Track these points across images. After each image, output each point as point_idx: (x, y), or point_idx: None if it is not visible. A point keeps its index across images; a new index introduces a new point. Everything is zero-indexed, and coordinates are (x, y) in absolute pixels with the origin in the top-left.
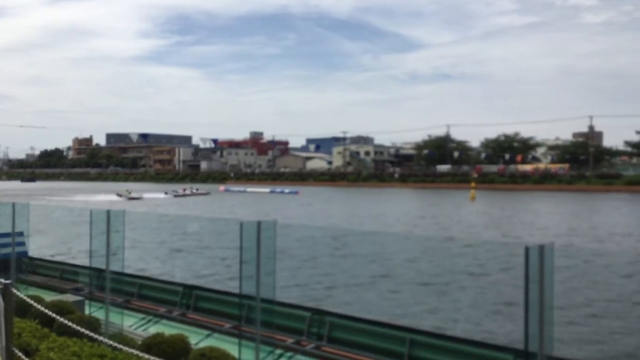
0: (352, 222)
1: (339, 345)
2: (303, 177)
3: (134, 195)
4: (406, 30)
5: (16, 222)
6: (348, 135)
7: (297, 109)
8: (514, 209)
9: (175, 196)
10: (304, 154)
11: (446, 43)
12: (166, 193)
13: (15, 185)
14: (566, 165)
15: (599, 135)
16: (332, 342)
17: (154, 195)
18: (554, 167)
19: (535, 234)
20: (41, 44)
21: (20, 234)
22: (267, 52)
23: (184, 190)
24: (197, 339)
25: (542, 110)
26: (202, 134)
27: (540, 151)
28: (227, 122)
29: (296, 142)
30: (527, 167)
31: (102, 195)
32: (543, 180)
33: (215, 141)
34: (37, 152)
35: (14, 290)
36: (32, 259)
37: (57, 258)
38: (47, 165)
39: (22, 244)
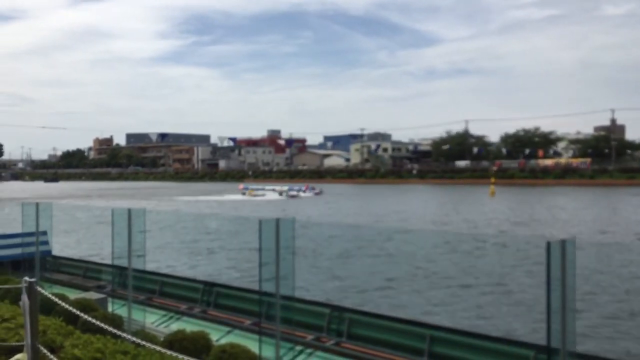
0: (375, 220)
1: (358, 342)
2: (321, 174)
3: (293, 193)
4: (423, 26)
5: (40, 222)
6: (365, 132)
7: (313, 107)
8: (537, 204)
9: (292, 196)
10: (322, 152)
11: (463, 38)
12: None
13: (39, 185)
14: (588, 160)
15: (621, 128)
16: (351, 338)
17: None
18: (576, 162)
19: (569, 231)
20: (60, 46)
21: (44, 233)
22: (283, 51)
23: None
24: (218, 336)
25: (562, 104)
26: (219, 133)
27: (561, 145)
28: (244, 121)
29: (313, 139)
30: (548, 162)
31: (232, 195)
32: (564, 175)
33: (234, 140)
34: (59, 153)
35: (39, 289)
36: (55, 257)
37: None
38: (69, 165)
39: (46, 243)
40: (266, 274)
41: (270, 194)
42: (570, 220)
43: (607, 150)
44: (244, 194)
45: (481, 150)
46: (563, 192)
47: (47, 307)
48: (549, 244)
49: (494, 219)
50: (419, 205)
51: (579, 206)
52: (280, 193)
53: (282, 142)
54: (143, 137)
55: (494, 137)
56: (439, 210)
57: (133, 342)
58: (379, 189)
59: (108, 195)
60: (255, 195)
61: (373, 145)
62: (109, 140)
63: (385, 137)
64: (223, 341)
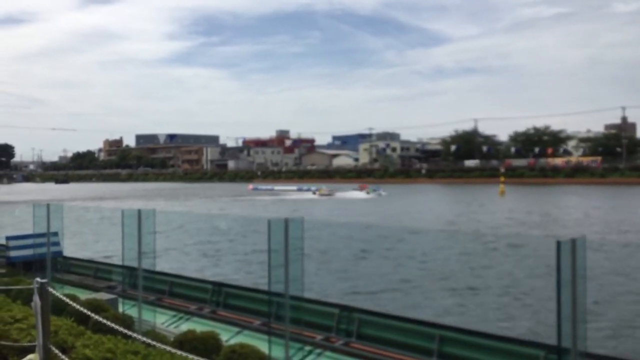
0: (388, 220)
1: (367, 342)
2: (330, 174)
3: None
4: (430, 25)
5: (51, 223)
6: (374, 131)
7: (321, 107)
8: (548, 204)
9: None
10: (330, 152)
11: (471, 36)
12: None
13: (51, 186)
14: (598, 158)
15: (632, 126)
16: (361, 338)
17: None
18: (586, 160)
19: (589, 231)
20: (70, 48)
21: (55, 234)
22: (291, 51)
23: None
24: (228, 336)
25: (572, 103)
26: (228, 133)
27: (571, 144)
28: (252, 121)
29: (322, 139)
30: (558, 161)
31: (306, 194)
32: (574, 174)
33: (243, 139)
34: (69, 154)
35: (50, 289)
36: (66, 258)
37: None
38: (79, 167)
39: (57, 243)
40: (275, 274)
41: (352, 192)
42: (587, 219)
43: (618, 149)
44: (314, 193)
45: (490, 149)
46: (574, 191)
47: (58, 308)
48: (559, 243)
49: (509, 218)
50: (431, 205)
51: (594, 205)
52: (367, 192)
53: (288, 142)
54: (152, 138)
55: (503, 136)
56: (451, 210)
57: (143, 342)
58: (393, 189)
59: (147, 196)
60: (326, 194)
61: (382, 145)
62: (119, 142)
63: (393, 136)
64: (233, 341)
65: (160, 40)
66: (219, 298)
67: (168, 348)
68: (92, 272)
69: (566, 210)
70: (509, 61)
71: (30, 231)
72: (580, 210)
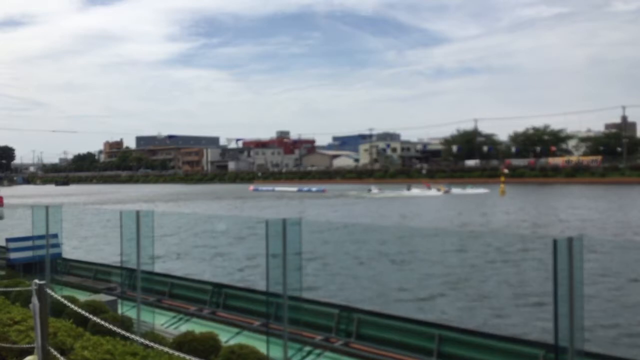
0: (395, 222)
1: (367, 342)
2: (330, 175)
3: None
4: (431, 25)
5: (50, 225)
6: (374, 132)
7: (322, 107)
8: (550, 203)
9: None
10: (331, 152)
11: (472, 36)
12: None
13: (50, 188)
14: (599, 158)
15: (632, 125)
16: (360, 338)
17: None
18: (586, 160)
19: (604, 232)
20: (72, 51)
21: (55, 235)
22: (292, 52)
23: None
24: (227, 337)
25: (573, 102)
26: (229, 134)
27: (571, 144)
28: (253, 122)
29: (322, 140)
30: (558, 160)
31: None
32: (575, 173)
33: (242, 141)
34: (70, 157)
35: (49, 291)
36: (66, 260)
37: None
38: (80, 169)
39: (57, 245)
40: (274, 274)
41: (470, 189)
42: (596, 219)
43: (618, 148)
44: (439, 190)
45: (491, 149)
46: (574, 190)
47: (57, 309)
48: (555, 242)
49: (514, 219)
50: (433, 206)
51: (599, 205)
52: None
53: (291, 142)
54: (152, 139)
55: (503, 135)
56: (454, 211)
57: (142, 343)
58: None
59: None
60: (446, 191)
61: (382, 145)
62: (119, 143)
63: (394, 137)
64: (232, 342)
65: (161, 42)
66: (219, 299)
67: (166, 349)
68: (92, 273)
69: (575, 211)
70: (510, 61)
71: (30, 233)
72: (587, 210)
